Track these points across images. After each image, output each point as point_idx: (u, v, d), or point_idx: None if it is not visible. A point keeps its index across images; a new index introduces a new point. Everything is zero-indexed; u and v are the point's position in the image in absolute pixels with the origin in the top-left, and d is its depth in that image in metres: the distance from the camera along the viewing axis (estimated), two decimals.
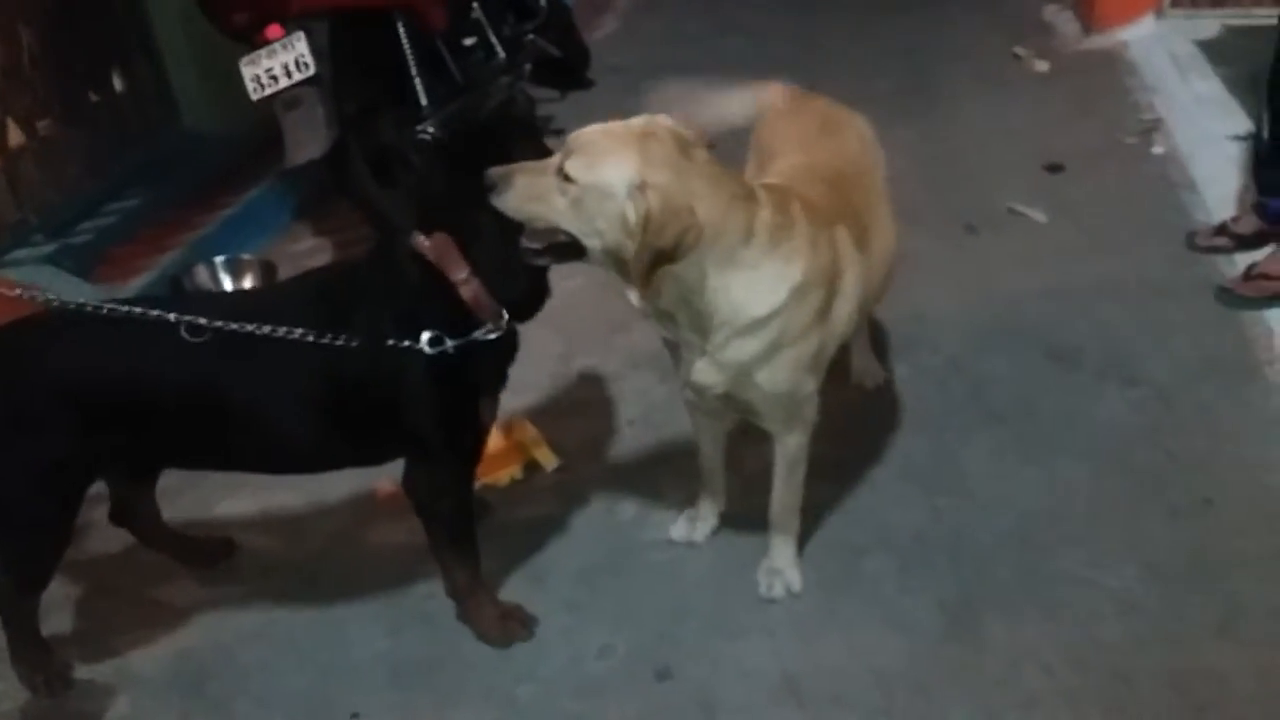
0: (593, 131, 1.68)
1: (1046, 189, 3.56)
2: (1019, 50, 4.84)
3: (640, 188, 1.59)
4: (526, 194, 1.66)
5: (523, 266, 1.83)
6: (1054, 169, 3.69)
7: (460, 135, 1.92)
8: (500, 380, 2.00)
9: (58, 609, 2.26)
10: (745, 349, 1.79)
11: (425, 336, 1.81)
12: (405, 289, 1.85)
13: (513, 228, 1.75)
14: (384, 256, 1.91)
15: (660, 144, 1.65)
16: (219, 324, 1.78)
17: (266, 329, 1.78)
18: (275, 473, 2.15)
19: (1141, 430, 2.41)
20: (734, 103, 2.34)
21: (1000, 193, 3.54)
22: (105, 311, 1.85)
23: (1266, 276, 2.78)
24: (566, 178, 1.64)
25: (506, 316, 1.86)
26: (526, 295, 1.90)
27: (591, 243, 1.68)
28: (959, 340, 2.81)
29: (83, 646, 2.17)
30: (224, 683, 2.06)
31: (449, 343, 1.81)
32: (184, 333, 1.77)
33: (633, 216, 1.60)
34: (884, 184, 2.23)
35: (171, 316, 1.78)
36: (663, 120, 1.70)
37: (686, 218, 1.61)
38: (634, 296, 1.73)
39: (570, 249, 1.72)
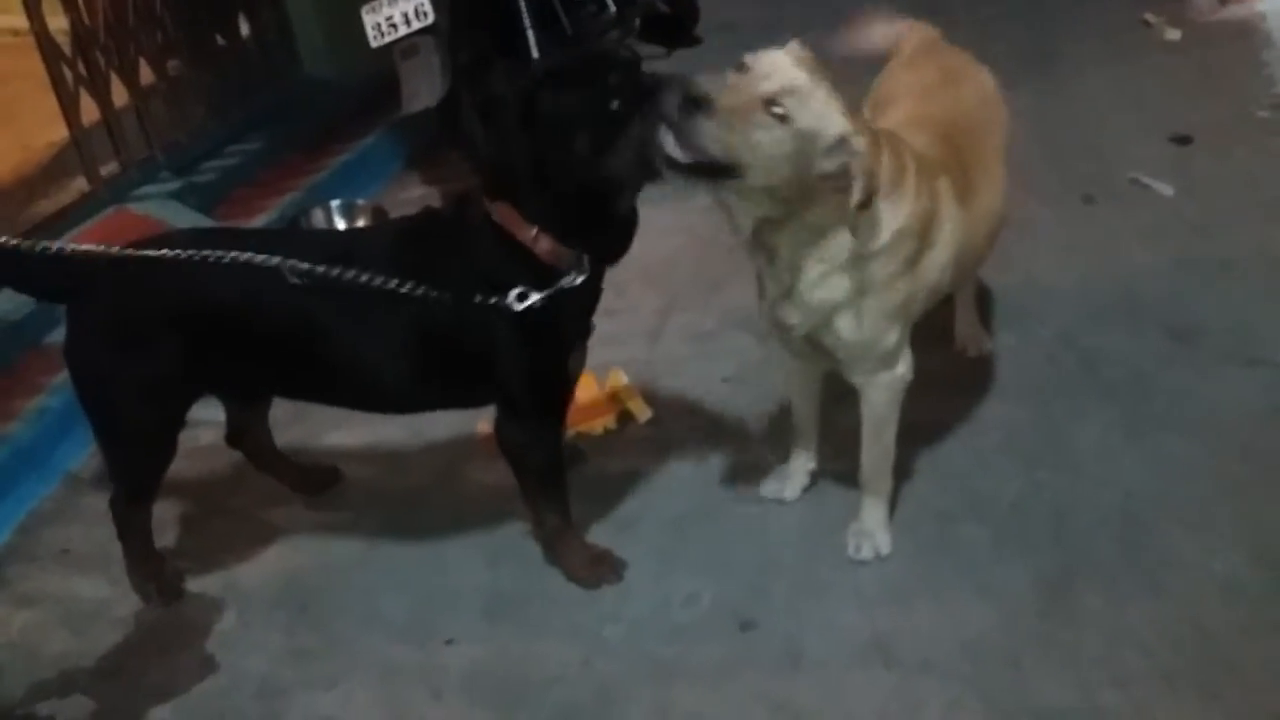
0: (797, 72, 1.68)
1: (1172, 161, 3.39)
2: (1149, 17, 4.60)
3: (844, 141, 1.67)
4: (729, 123, 1.65)
5: (597, 214, 1.85)
6: (1181, 141, 3.51)
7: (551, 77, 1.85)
8: (586, 329, 2.01)
9: (172, 525, 2.39)
10: (835, 289, 1.83)
11: (513, 293, 1.83)
12: (485, 249, 1.88)
13: (585, 176, 1.79)
14: (462, 218, 1.93)
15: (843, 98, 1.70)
16: (319, 268, 1.81)
17: (364, 277, 1.81)
18: (371, 410, 2.22)
19: (1261, 413, 2.29)
20: (877, 34, 2.38)
21: (1122, 163, 3.39)
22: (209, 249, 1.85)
23: None
24: (778, 116, 1.65)
25: (587, 262, 1.88)
26: (611, 240, 1.91)
27: (762, 178, 1.69)
28: (1071, 312, 2.71)
29: (194, 561, 2.29)
30: (327, 603, 2.15)
31: (535, 296, 1.83)
32: (286, 274, 1.82)
33: (830, 167, 1.68)
34: (1001, 142, 2.20)
35: (273, 261, 1.82)
36: (796, 51, 1.72)
37: (873, 181, 1.69)
38: (744, 223, 1.80)
39: (719, 172, 1.69)
